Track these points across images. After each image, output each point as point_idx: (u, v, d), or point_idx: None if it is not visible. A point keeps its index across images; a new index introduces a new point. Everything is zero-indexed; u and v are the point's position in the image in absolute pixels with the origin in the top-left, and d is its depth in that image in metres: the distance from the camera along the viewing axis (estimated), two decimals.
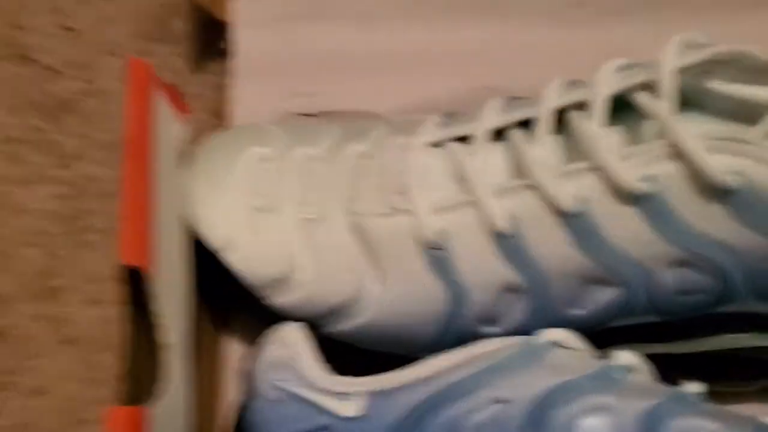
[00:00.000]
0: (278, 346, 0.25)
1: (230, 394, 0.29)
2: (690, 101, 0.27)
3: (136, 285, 0.23)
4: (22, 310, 0.33)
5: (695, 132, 0.24)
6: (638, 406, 0.22)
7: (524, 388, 0.22)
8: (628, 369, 0.24)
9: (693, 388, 0.24)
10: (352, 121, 0.32)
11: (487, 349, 0.24)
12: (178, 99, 0.29)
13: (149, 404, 0.21)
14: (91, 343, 0.33)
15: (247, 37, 0.39)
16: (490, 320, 0.27)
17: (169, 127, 0.28)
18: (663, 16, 0.40)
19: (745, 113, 0.26)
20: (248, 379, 0.25)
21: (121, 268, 0.23)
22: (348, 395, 0.23)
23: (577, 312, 0.27)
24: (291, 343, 0.25)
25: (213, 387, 0.30)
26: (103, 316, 0.34)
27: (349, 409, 0.23)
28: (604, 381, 0.23)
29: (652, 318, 0.27)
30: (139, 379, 0.21)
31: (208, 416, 0.29)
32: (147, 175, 0.24)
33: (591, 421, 0.22)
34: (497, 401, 0.22)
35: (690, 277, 0.25)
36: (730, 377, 0.30)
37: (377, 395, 0.23)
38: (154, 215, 0.24)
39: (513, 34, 0.39)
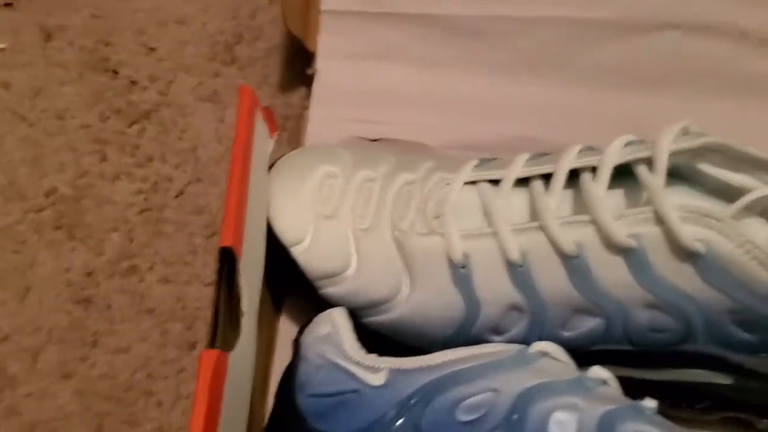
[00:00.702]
0: (325, 325, 0.32)
1: (281, 357, 0.36)
2: (685, 176, 0.33)
3: (227, 263, 0.30)
4: (107, 284, 0.41)
5: (676, 203, 0.30)
6: (600, 409, 0.28)
7: (513, 383, 0.29)
8: (600, 381, 0.30)
9: (648, 403, 0.30)
10: (406, 153, 0.38)
11: (489, 350, 0.30)
12: (272, 119, 0.36)
13: (227, 351, 0.27)
14: (164, 314, 0.40)
15: (326, 68, 0.46)
16: (497, 331, 0.34)
17: (264, 141, 0.35)
18: (691, 90, 0.46)
19: (724, 193, 0.32)
20: (298, 347, 0.32)
21: (220, 250, 0.29)
22: (376, 369, 0.30)
23: (566, 334, 0.33)
24: (336, 323, 0.32)
25: (269, 350, 0.37)
26: (174, 293, 0.41)
27: (375, 379, 0.29)
28: (578, 387, 0.29)
29: (626, 347, 0.33)
30: (223, 333, 0.28)
31: (264, 372, 0.36)
32: (247, 178, 0.31)
33: (560, 416, 0.28)
34: (490, 390, 0.29)
35: (660, 318, 0.31)
36: (692, 406, 0.35)
37: (398, 372, 0.29)
38: (245, 212, 0.31)
39: (555, 94, 0.46)
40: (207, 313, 0.40)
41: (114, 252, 0.41)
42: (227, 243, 0.29)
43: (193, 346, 0.39)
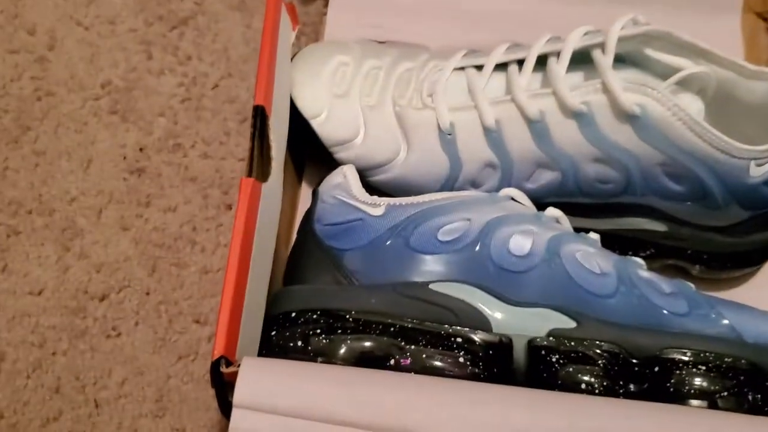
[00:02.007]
0: (338, 176, 0.40)
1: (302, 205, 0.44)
2: (634, 63, 0.40)
3: (259, 120, 0.37)
4: (156, 157, 0.49)
5: (621, 77, 0.38)
6: (550, 233, 0.36)
7: (483, 215, 0.37)
8: (554, 219, 0.38)
9: (593, 236, 0.37)
10: (407, 48, 0.46)
11: (466, 194, 0.38)
12: (294, 14, 0.43)
13: (261, 182, 0.35)
14: (205, 182, 0.48)
15: None
16: (475, 185, 0.41)
17: (287, 30, 0.42)
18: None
19: (663, 72, 0.40)
20: (316, 194, 0.40)
21: (253, 107, 0.37)
22: (376, 204, 0.38)
23: (529, 185, 0.40)
24: (346, 175, 0.40)
25: (293, 207, 0.45)
26: (213, 165, 0.49)
27: (376, 211, 0.37)
28: (535, 219, 0.37)
29: (578, 198, 0.41)
30: (257, 167, 0.36)
31: (288, 223, 0.44)
32: (273, 60, 0.39)
33: (518, 237, 0.36)
34: (465, 219, 0.36)
35: (605, 171, 0.39)
36: (636, 254, 0.43)
37: (394, 206, 0.37)
38: (273, 84, 0.39)
39: (536, 5, 0.53)
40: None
41: (161, 132, 0.49)
42: (260, 102, 0.37)
43: (229, 207, 0.47)
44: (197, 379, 0.42)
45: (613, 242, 0.42)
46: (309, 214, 0.39)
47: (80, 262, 0.45)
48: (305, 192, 0.47)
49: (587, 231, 0.40)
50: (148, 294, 0.44)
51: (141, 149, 0.49)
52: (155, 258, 0.45)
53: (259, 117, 0.37)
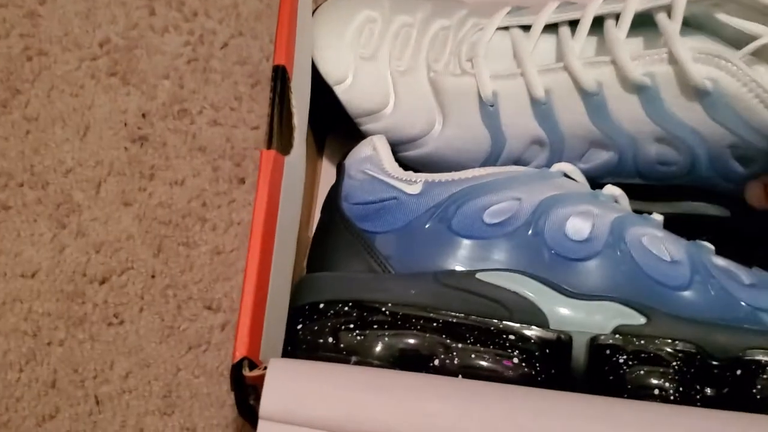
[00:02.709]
0: (367, 148, 0.35)
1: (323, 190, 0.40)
2: (703, 27, 0.36)
3: (279, 83, 0.33)
4: (160, 124, 0.44)
5: (690, 46, 0.33)
6: (612, 215, 0.32)
7: (534, 193, 0.32)
8: (612, 198, 0.34)
9: (656, 216, 0.33)
10: (442, 2, 0.41)
11: (514, 169, 0.34)
12: None
13: (283, 155, 0.31)
14: (215, 152, 0.44)
15: None
16: (519, 164, 0.37)
17: None
18: None
19: (740, 42, 0.35)
20: (342, 167, 0.36)
21: (273, 68, 0.32)
22: (412, 181, 0.33)
23: (582, 166, 0.36)
24: (376, 147, 0.35)
25: (312, 183, 0.40)
26: (223, 134, 0.45)
27: (412, 189, 0.33)
28: (593, 198, 0.33)
29: (636, 180, 0.36)
30: (279, 139, 0.31)
31: (309, 202, 0.39)
32: (294, 12, 0.34)
33: (576, 220, 0.32)
34: (514, 198, 0.32)
35: (667, 152, 0.35)
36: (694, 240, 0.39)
37: (432, 183, 0.33)
38: (295, 41, 0.34)
39: None
40: (254, 153, 0.43)
41: (166, 96, 0.45)
42: (280, 62, 0.32)
43: (242, 181, 0.43)
44: (209, 372, 0.38)
45: (670, 227, 0.38)
46: (335, 192, 0.35)
47: (77, 241, 0.41)
48: (326, 166, 0.42)
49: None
50: (153, 277, 0.40)
51: (143, 115, 0.44)
52: (161, 237, 0.41)
53: (280, 79, 0.32)
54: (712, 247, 0.33)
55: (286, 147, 0.32)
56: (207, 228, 0.41)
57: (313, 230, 0.37)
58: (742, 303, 0.30)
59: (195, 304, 0.39)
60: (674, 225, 0.38)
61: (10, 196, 0.41)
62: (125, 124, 0.44)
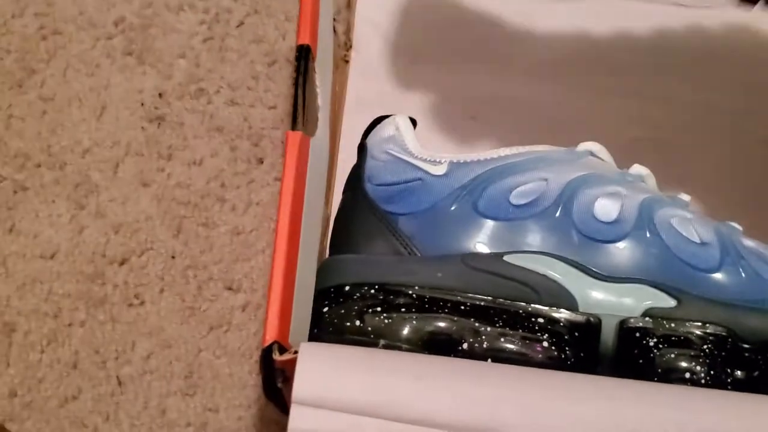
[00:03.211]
0: (389, 127, 0.35)
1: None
2: None
3: (303, 62, 0.32)
4: (177, 104, 0.44)
5: None
6: (640, 197, 0.31)
7: (562, 174, 0.32)
8: (640, 177, 0.33)
9: (683, 197, 0.33)
10: None
11: (540, 148, 0.33)
12: None
13: (309, 136, 0.31)
14: (233, 132, 0.43)
15: None
16: None
17: None
18: None
19: None
20: (364, 148, 0.35)
21: (297, 47, 0.32)
22: (437, 162, 0.33)
23: None
24: (399, 126, 0.35)
25: (332, 149, 0.40)
26: (241, 113, 0.44)
27: (437, 170, 0.33)
28: (621, 179, 0.32)
29: None
30: (304, 120, 0.31)
31: (330, 166, 0.39)
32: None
33: (605, 201, 0.31)
34: (541, 179, 0.32)
35: None
36: None
37: (458, 164, 0.33)
38: (319, 18, 0.33)
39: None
40: (272, 133, 0.43)
41: (182, 76, 0.44)
42: (305, 41, 0.32)
43: (260, 161, 0.42)
44: (231, 353, 0.38)
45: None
46: (357, 172, 0.34)
47: (96, 222, 0.40)
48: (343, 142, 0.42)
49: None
50: (173, 257, 0.40)
51: (160, 95, 0.44)
52: (180, 217, 0.41)
53: (303, 59, 0.32)
54: (741, 228, 0.32)
55: (311, 128, 0.31)
56: (226, 208, 0.41)
57: (333, 209, 0.37)
58: None
59: (215, 284, 0.39)
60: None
61: (28, 177, 0.41)
62: (142, 104, 0.43)
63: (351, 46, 0.45)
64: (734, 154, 0.44)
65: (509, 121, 0.44)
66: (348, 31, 0.45)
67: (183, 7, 0.46)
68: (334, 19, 0.43)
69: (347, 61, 0.45)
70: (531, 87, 0.45)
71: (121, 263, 0.40)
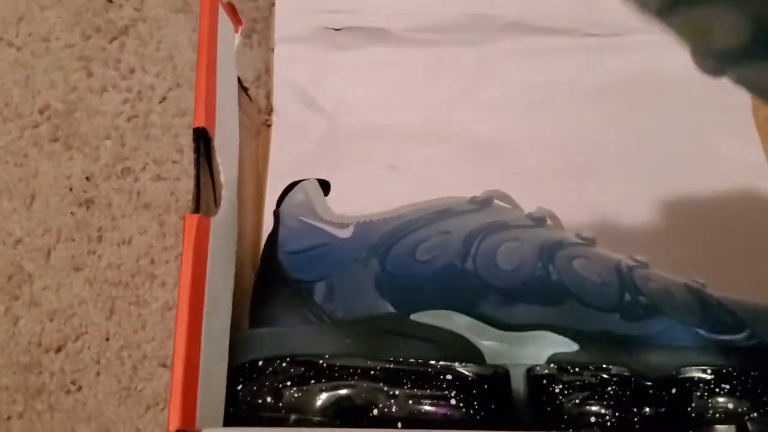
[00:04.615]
0: (300, 194, 0.35)
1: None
2: None
3: (202, 144, 0.33)
4: (105, 185, 0.44)
5: None
6: (540, 240, 0.32)
7: (464, 225, 0.32)
8: (544, 219, 0.34)
9: (587, 234, 0.33)
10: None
11: (444, 201, 0.34)
12: (234, 14, 0.38)
13: (209, 217, 0.31)
14: (160, 208, 0.44)
15: None
16: None
17: (228, 33, 0.37)
18: None
19: None
20: (278, 215, 0.36)
21: (193, 130, 0.33)
22: (344, 225, 0.33)
23: None
24: (308, 191, 0.35)
25: (257, 216, 0.40)
26: (167, 188, 0.45)
27: (344, 233, 0.33)
28: (523, 224, 0.33)
29: None
30: (204, 201, 0.31)
31: (256, 233, 0.39)
32: (213, 72, 0.34)
33: (505, 248, 0.31)
34: (444, 233, 0.32)
35: None
36: None
37: (363, 225, 0.33)
38: (215, 99, 0.34)
39: None
40: None
41: (109, 157, 0.45)
42: (200, 123, 0.32)
43: None
44: None
45: None
46: (271, 241, 0.35)
47: (31, 312, 0.41)
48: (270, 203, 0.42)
49: None
50: (107, 339, 0.40)
51: (88, 178, 0.44)
52: (113, 298, 0.41)
53: (202, 141, 0.32)
54: (645, 262, 0.33)
55: (211, 208, 0.32)
56: (156, 285, 0.41)
57: None
58: (673, 321, 0.30)
59: (150, 363, 0.40)
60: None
61: None
62: (71, 189, 0.44)
63: (272, 110, 0.46)
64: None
65: (432, 168, 0.44)
66: (269, 96, 0.46)
67: (107, 88, 0.47)
68: (249, 88, 0.44)
69: (269, 125, 0.45)
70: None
71: (57, 350, 0.40)
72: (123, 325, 0.40)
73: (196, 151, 0.32)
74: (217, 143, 0.33)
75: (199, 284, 0.30)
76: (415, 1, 0.47)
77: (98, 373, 0.39)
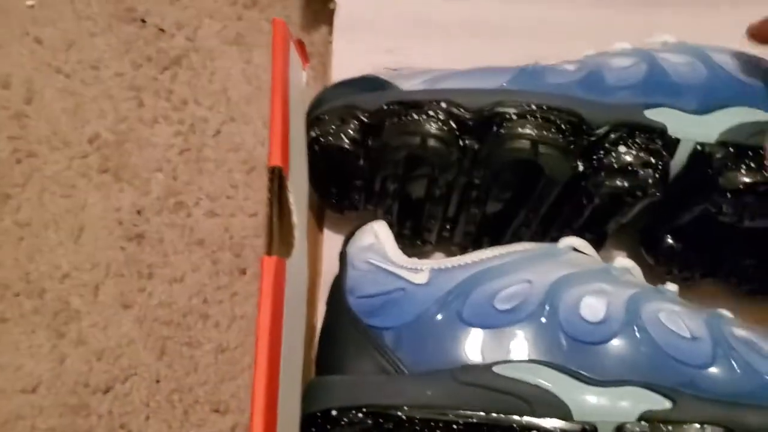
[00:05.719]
0: (368, 235, 0.34)
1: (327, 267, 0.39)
2: None
3: (275, 184, 0.32)
4: (156, 219, 0.43)
5: None
6: (627, 292, 0.31)
7: (545, 274, 0.31)
8: (625, 270, 0.33)
9: (670, 287, 0.32)
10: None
11: (520, 248, 0.33)
12: (303, 51, 0.38)
13: (284, 258, 0.30)
14: (214, 245, 0.43)
15: (346, 1, 0.48)
16: None
17: (298, 71, 0.37)
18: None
19: None
20: (345, 257, 0.34)
21: (269, 169, 0.32)
22: (418, 270, 0.32)
23: None
24: (378, 234, 0.34)
25: (315, 266, 0.39)
26: (221, 224, 0.44)
27: (418, 278, 0.32)
28: (606, 275, 0.32)
29: None
30: (279, 242, 0.30)
31: (312, 284, 0.38)
32: (287, 110, 0.33)
33: (590, 300, 0.30)
34: (525, 281, 0.31)
35: None
36: None
37: (439, 271, 0.32)
38: (289, 138, 0.33)
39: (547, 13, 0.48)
40: (254, 242, 0.43)
41: (160, 190, 0.44)
42: (276, 163, 0.31)
43: (243, 272, 0.42)
44: None
45: None
46: (339, 284, 0.34)
47: (78, 350, 0.40)
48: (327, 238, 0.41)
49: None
50: (158, 381, 0.39)
51: (138, 212, 0.43)
52: (163, 338, 0.40)
53: (277, 180, 0.32)
54: (732, 316, 0.32)
55: (287, 249, 0.31)
56: (209, 325, 0.40)
57: (320, 315, 0.36)
58: (767, 377, 0.28)
59: (202, 408, 0.38)
60: None
61: (7, 308, 0.40)
62: (120, 223, 0.43)
63: None
64: None
65: None
66: None
67: (158, 119, 0.46)
68: None
69: None
70: None
71: (105, 392, 0.39)
72: (174, 367, 0.39)
73: (271, 190, 0.32)
74: (290, 182, 0.32)
75: (277, 329, 0.29)
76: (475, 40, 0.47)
77: (147, 417, 0.38)
